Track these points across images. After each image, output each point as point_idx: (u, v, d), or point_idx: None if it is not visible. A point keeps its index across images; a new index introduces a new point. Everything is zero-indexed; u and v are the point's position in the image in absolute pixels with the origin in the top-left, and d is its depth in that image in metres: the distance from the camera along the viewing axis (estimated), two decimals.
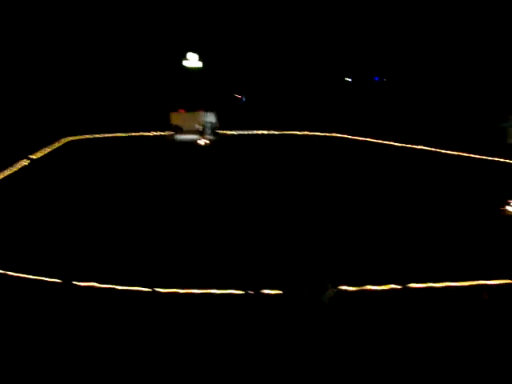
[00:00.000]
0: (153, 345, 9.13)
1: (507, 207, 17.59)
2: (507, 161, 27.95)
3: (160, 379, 8.15)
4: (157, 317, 10.28)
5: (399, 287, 11.53)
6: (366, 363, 8.19)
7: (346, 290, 10.94)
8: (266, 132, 42.00)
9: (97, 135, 39.24)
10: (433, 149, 32.53)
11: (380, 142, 36.03)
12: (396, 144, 34.87)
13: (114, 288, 11.56)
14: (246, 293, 10.35)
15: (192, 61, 48.72)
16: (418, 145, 33.53)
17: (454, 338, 9.20)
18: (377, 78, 49.22)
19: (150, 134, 41.33)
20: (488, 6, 41.13)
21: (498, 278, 11.69)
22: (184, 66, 48.44)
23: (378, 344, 8.88)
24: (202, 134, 42.00)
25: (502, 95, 37.94)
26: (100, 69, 47.25)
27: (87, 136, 38.68)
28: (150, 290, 11.47)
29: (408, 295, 11.26)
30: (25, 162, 28.69)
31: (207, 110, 47.03)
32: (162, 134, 41.40)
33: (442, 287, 11.53)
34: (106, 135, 39.58)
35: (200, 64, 48.71)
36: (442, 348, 8.88)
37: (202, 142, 40.66)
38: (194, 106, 46.75)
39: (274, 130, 41.70)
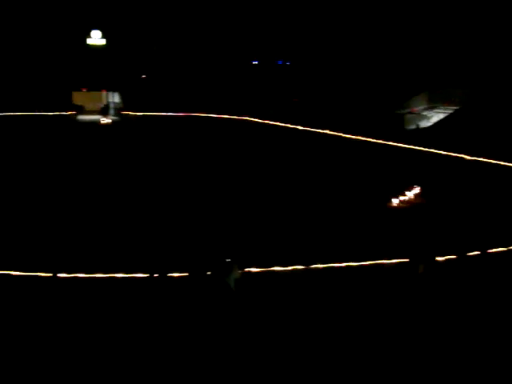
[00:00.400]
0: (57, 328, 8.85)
1: (393, 200, 17.96)
2: (405, 146, 29.22)
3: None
4: (57, 301, 9.95)
5: (303, 267, 11.88)
6: (275, 345, 8.36)
7: (250, 272, 11.11)
8: (171, 114, 41.47)
9: None
10: (336, 133, 33.50)
11: (286, 125, 36.71)
12: (300, 127, 35.61)
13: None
14: (151, 276, 10.23)
15: (95, 38, 46.76)
16: (321, 129, 34.40)
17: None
18: (280, 62, 49.66)
19: (49, 113, 39.46)
20: None
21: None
22: (88, 44, 46.47)
23: (289, 324, 9.07)
24: (104, 114, 40.86)
25: (400, 82, 39.59)
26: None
27: None
28: (51, 275, 11.08)
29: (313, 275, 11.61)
30: None
31: (111, 89, 45.76)
32: (63, 113, 39.72)
33: (343, 267, 12.00)
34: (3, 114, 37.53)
35: (104, 41, 46.88)
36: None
37: (104, 121, 39.54)
38: (97, 86, 45.36)
39: (181, 112, 41.28)
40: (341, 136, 32.99)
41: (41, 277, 11.00)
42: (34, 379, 7.25)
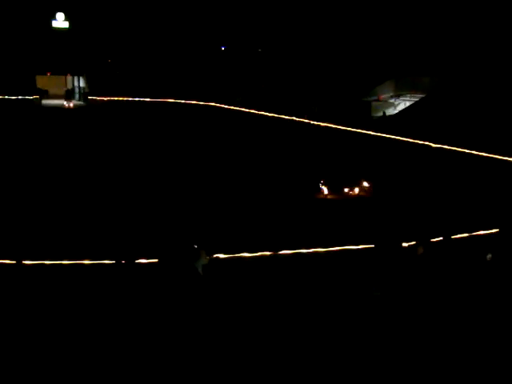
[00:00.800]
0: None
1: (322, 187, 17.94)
2: (371, 133, 29.58)
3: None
4: (23, 288, 9.85)
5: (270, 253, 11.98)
6: (245, 331, 8.44)
7: (218, 258, 11.17)
8: (138, 99, 41.10)
9: None
10: (304, 120, 33.69)
11: (252, 111, 36.85)
12: (268, 114, 35.75)
13: None
14: (118, 262, 10.17)
15: (59, 21, 45.64)
16: (290, 116, 34.56)
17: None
18: (223, 47, 49.31)
19: (12, 97, 38.59)
20: None
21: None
22: (52, 27, 45.34)
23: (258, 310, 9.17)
24: (69, 98, 40.21)
25: (367, 70, 39.92)
26: None
27: None
28: (14, 262, 10.92)
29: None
30: None
31: (76, 73, 44.99)
32: (27, 97, 38.92)
33: (311, 253, 12.14)
34: None
35: (67, 24, 45.74)
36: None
37: (67, 105, 38.94)
38: (62, 69, 44.59)
39: (148, 98, 40.95)
40: (308, 123, 33.18)
41: (4, 264, 10.84)
42: None
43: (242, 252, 11.84)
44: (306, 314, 9.00)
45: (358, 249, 12.04)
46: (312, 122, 32.99)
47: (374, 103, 39.24)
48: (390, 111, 37.57)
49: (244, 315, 8.86)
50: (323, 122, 32.37)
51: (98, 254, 11.13)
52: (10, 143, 24.37)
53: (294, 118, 34.25)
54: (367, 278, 9.27)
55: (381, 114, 36.23)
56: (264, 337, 8.20)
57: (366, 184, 17.99)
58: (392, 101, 39.40)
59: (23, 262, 10.79)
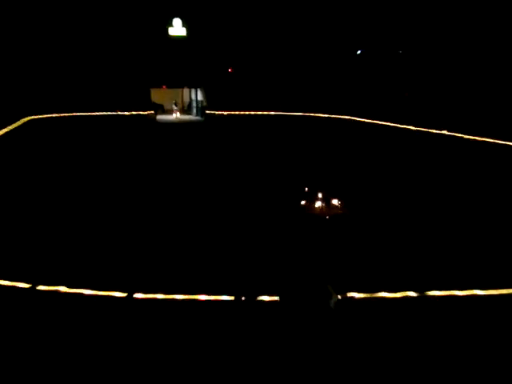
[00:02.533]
0: (136, 350, 9.07)
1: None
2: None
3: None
4: (135, 323, 10.20)
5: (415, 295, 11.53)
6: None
7: (353, 297, 10.91)
8: (262, 112, 41.81)
9: (62, 114, 39.02)
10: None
11: (396, 125, 36.27)
12: (413, 128, 35.07)
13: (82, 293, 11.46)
14: (238, 299, 10.25)
15: (176, 28, 46.99)
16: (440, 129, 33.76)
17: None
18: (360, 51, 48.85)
19: (125, 113, 40.88)
20: None
21: None
22: (169, 35, 46.86)
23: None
24: (187, 113, 41.81)
25: None
26: (70, 43, 46.59)
27: (52, 115, 38.49)
28: (126, 294, 11.36)
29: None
30: None
31: (193, 86, 46.21)
32: (140, 113, 41.02)
33: (468, 296, 11.52)
34: (72, 114, 39.35)
35: (184, 32, 47.18)
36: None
37: (180, 117, 40.30)
38: (178, 82, 46.09)
39: (273, 111, 41.54)
40: (464, 138, 32.12)
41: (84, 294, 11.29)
42: None
43: (381, 291, 11.49)
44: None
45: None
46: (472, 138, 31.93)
47: None
48: None
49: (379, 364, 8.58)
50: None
51: (212, 288, 11.30)
52: (120, 165, 25.74)
53: (445, 131, 33.32)
54: None
55: None
56: None
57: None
58: None
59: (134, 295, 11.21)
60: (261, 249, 14.14)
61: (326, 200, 18.07)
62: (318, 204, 18.07)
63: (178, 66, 45.60)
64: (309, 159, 26.79)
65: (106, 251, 14.00)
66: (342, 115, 40.08)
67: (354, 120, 39.29)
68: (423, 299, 11.40)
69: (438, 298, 11.43)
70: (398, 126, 36.14)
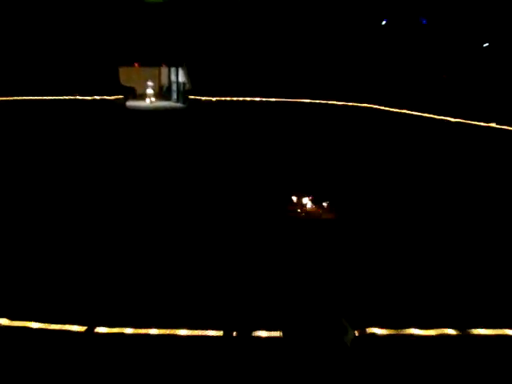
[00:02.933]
0: None
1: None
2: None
3: None
4: (94, 364, 10.21)
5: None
6: None
7: (374, 334, 10.96)
8: (259, 99, 41.92)
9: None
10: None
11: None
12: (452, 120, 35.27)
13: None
14: (228, 334, 10.28)
15: None
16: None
17: None
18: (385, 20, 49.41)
19: (86, 98, 40.58)
20: None
21: None
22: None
23: None
24: (164, 98, 41.83)
25: None
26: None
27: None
28: (85, 328, 11.36)
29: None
30: None
31: (172, 64, 46.03)
32: (106, 98, 40.87)
33: None
34: (14, 98, 39.29)
35: None
36: None
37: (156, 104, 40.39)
38: (154, 59, 45.82)
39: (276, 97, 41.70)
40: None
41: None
42: None
43: (409, 327, 11.54)
44: None
45: None
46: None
47: None
48: None
49: None
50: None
51: (196, 321, 11.32)
52: (86, 159, 25.81)
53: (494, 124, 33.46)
54: None
55: None
56: None
57: None
58: None
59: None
60: (254, 268, 14.17)
61: (319, 204, 18.73)
62: (309, 208, 18.72)
63: (155, 38, 45.21)
64: (309, 159, 26.93)
65: (57, 268, 13.99)
66: (360, 103, 40.12)
67: (375, 108, 39.33)
68: (465, 338, 11.46)
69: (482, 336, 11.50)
70: (433, 116, 36.22)
